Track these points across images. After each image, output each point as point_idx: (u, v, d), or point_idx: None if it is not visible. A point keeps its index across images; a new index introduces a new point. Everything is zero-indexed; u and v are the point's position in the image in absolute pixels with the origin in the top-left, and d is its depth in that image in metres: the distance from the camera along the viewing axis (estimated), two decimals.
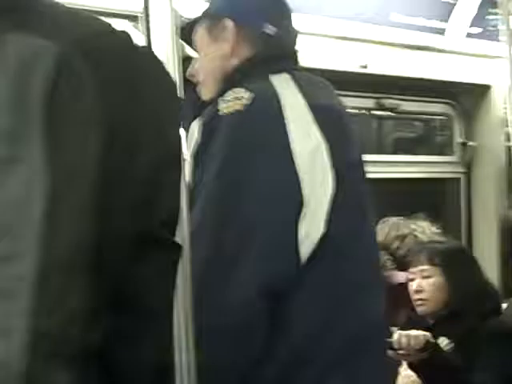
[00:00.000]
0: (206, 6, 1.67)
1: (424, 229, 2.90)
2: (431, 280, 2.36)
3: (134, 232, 0.76)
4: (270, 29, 1.53)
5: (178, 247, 0.88)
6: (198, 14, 1.65)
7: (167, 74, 0.87)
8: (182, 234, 1.25)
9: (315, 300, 1.39)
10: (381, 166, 3.28)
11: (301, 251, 1.36)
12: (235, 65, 1.54)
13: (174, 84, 0.97)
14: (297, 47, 1.61)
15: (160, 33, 1.34)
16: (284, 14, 1.60)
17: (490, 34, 3.40)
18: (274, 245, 1.36)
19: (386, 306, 1.55)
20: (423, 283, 2.37)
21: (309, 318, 1.39)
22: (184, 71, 1.50)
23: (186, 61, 1.94)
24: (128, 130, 0.75)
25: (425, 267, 2.38)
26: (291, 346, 1.38)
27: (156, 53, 0.92)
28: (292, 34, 1.61)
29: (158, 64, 0.86)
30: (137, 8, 1.87)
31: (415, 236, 2.85)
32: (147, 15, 1.35)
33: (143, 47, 0.98)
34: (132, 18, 2.19)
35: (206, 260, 1.36)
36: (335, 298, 1.42)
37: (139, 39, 1.11)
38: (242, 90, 1.42)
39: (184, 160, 1.20)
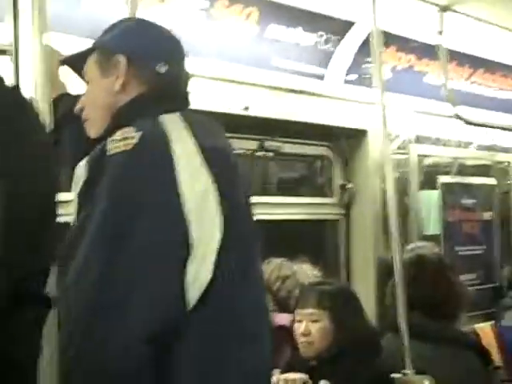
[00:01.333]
0: (87, 42, 1.62)
1: (306, 271, 2.94)
2: (319, 324, 2.33)
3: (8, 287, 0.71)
4: (162, 68, 1.51)
5: (48, 300, 0.83)
6: (87, 46, 1.60)
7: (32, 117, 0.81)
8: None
9: (202, 349, 1.36)
10: (264, 208, 3.31)
11: (188, 297, 1.32)
12: (125, 102, 1.51)
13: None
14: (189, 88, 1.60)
15: (30, 69, 1.29)
16: (178, 54, 1.59)
17: (366, 81, 3.55)
18: (160, 290, 1.32)
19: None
20: (311, 327, 2.34)
21: (195, 368, 1.35)
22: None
23: (65, 98, 1.87)
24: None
25: (313, 310, 2.35)
26: None
27: (24, 90, 0.87)
28: (184, 75, 1.59)
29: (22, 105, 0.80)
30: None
31: (297, 279, 2.87)
32: (16, 51, 1.30)
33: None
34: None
35: (91, 301, 1.30)
36: (222, 346, 1.38)
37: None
38: (132, 129, 1.39)
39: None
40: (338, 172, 3.82)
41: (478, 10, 3.64)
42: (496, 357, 3.69)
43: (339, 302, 2.38)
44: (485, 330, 3.91)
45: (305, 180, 4.07)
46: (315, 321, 2.35)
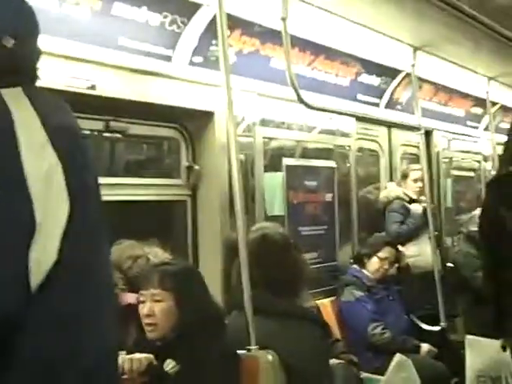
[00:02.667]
0: None
1: (157, 253, 2.94)
2: (162, 304, 2.35)
3: None
4: (7, 41, 1.45)
5: None
6: None
7: None
8: None
9: (46, 331, 1.33)
10: (112, 189, 3.26)
11: (31, 280, 1.29)
12: None
13: None
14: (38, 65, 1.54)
15: None
16: (29, 30, 1.53)
17: (213, 64, 3.58)
18: (1, 274, 1.27)
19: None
20: (154, 307, 2.35)
21: (39, 350, 1.32)
22: None
23: None
24: None
25: (156, 291, 2.37)
26: (22, 379, 1.30)
27: None
28: (35, 51, 1.53)
29: None
30: None
31: (148, 258, 2.87)
32: None
33: None
34: None
35: None
36: (67, 328, 1.36)
37: None
38: None
39: None
40: (184, 153, 3.84)
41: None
42: (336, 330, 3.90)
43: (182, 282, 2.41)
44: (326, 306, 4.11)
45: (152, 161, 4.05)
46: (158, 301, 2.36)
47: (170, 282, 2.38)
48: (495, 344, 3.38)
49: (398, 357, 3.42)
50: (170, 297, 2.36)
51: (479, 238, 3.59)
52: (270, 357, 2.47)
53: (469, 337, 3.63)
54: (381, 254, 4.33)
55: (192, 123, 3.80)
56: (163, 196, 3.80)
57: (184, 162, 3.83)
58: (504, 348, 3.33)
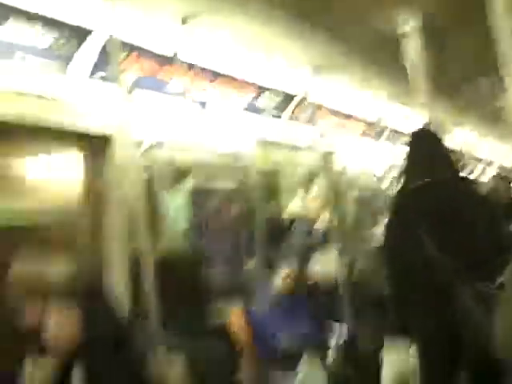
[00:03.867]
0: None
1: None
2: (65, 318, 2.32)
3: None
4: None
5: None
6: None
7: None
8: None
9: None
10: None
11: None
12: None
13: None
14: None
15: None
16: None
17: (110, 85, 3.57)
18: None
19: None
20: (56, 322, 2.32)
21: None
22: None
23: None
24: None
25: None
26: None
27: None
28: None
29: None
30: None
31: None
32: None
33: None
34: None
35: None
36: None
37: None
38: None
39: None
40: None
41: None
42: (246, 340, 3.90)
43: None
44: (234, 316, 4.11)
45: None
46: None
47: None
48: (405, 348, 3.50)
49: (305, 364, 3.49)
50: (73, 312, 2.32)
51: (383, 252, 3.72)
52: (177, 368, 2.46)
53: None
54: (284, 270, 4.36)
55: (89, 145, 3.76)
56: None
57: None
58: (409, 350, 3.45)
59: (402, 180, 3.59)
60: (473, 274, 3.10)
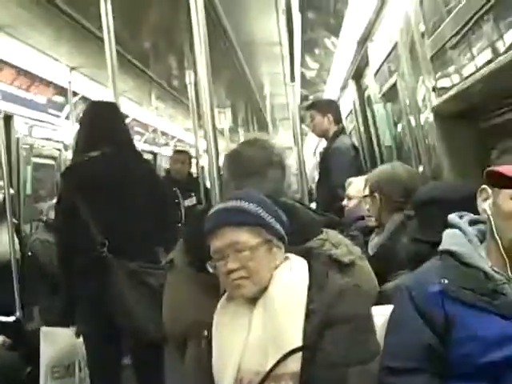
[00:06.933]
0: None
1: None
2: None
3: None
4: None
5: None
6: None
7: None
8: None
9: None
10: None
11: None
12: None
13: None
14: None
15: None
16: None
17: None
18: None
19: None
20: None
21: None
22: None
23: None
24: None
25: None
26: None
27: None
28: None
29: None
30: None
31: None
32: None
33: None
34: None
35: None
36: None
37: None
38: None
39: None
40: None
41: None
42: None
43: None
44: None
45: None
46: None
47: None
48: (69, 332, 3.43)
49: None
50: None
51: (55, 226, 3.60)
52: None
53: (43, 328, 3.62)
54: None
55: None
56: None
57: None
58: (78, 335, 3.40)
59: (75, 151, 3.52)
60: (125, 251, 3.13)
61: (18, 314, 4.29)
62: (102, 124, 3.41)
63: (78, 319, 3.37)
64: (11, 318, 4.25)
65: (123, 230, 3.23)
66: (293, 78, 5.03)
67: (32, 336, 3.94)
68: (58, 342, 3.51)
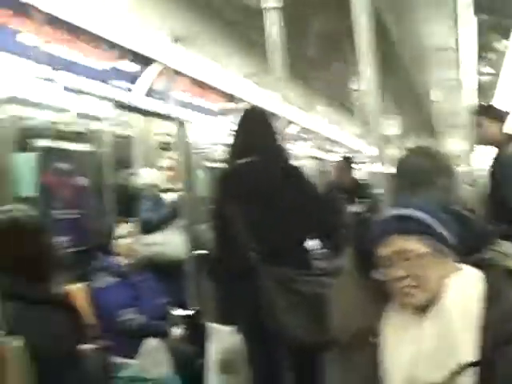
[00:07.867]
0: None
1: None
2: None
3: None
4: None
5: None
6: None
7: None
8: None
9: None
10: None
11: None
12: None
13: None
14: None
15: None
16: None
17: None
18: None
19: None
20: None
21: None
22: None
23: None
24: None
25: None
26: None
27: None
28: None
29: None
30: None
31: None
32: None
33: None
34: None
35: None
36: None
37: None
38: None
39: None
40: None
41: None
42: (89, 316, 3.81)
43: None
44: (78, 291, 4.00)
45: None
46: None
47: None
48: (231, 329, 3.53)
49: (149, 340, 3.44)
50: None
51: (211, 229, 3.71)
52: (15, 342, 2.35)
53: (208, 324, 3.75)
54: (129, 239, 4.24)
55: None
56: None
57: None
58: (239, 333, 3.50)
59: (229, 157, 3.61)
60: (276, 259, 3.14)
61: (193, 308, 4.50)
62: (254, 131, 3.49)
63: (238, 319, 3.47)
64: (189, 312, 4.45)
65: (274, 238, 3.28)
66: (465, 84, 4.87)
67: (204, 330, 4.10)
68: (222, 337, 3.63)
